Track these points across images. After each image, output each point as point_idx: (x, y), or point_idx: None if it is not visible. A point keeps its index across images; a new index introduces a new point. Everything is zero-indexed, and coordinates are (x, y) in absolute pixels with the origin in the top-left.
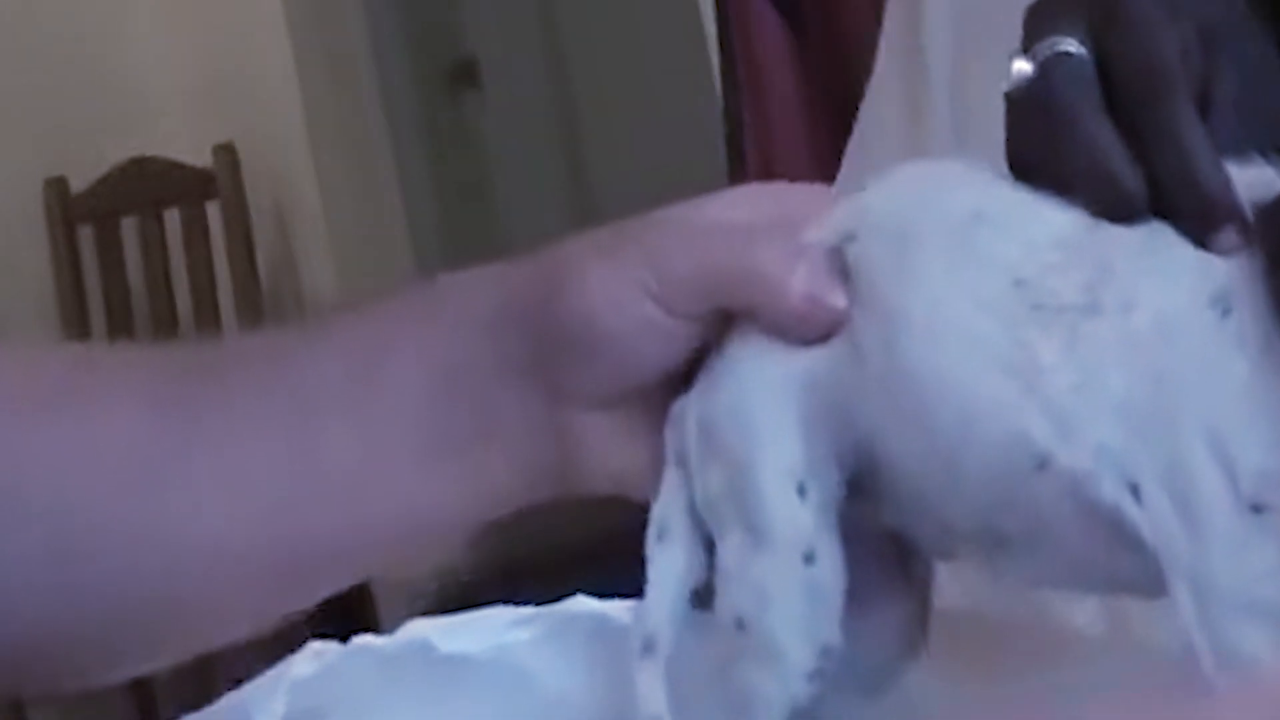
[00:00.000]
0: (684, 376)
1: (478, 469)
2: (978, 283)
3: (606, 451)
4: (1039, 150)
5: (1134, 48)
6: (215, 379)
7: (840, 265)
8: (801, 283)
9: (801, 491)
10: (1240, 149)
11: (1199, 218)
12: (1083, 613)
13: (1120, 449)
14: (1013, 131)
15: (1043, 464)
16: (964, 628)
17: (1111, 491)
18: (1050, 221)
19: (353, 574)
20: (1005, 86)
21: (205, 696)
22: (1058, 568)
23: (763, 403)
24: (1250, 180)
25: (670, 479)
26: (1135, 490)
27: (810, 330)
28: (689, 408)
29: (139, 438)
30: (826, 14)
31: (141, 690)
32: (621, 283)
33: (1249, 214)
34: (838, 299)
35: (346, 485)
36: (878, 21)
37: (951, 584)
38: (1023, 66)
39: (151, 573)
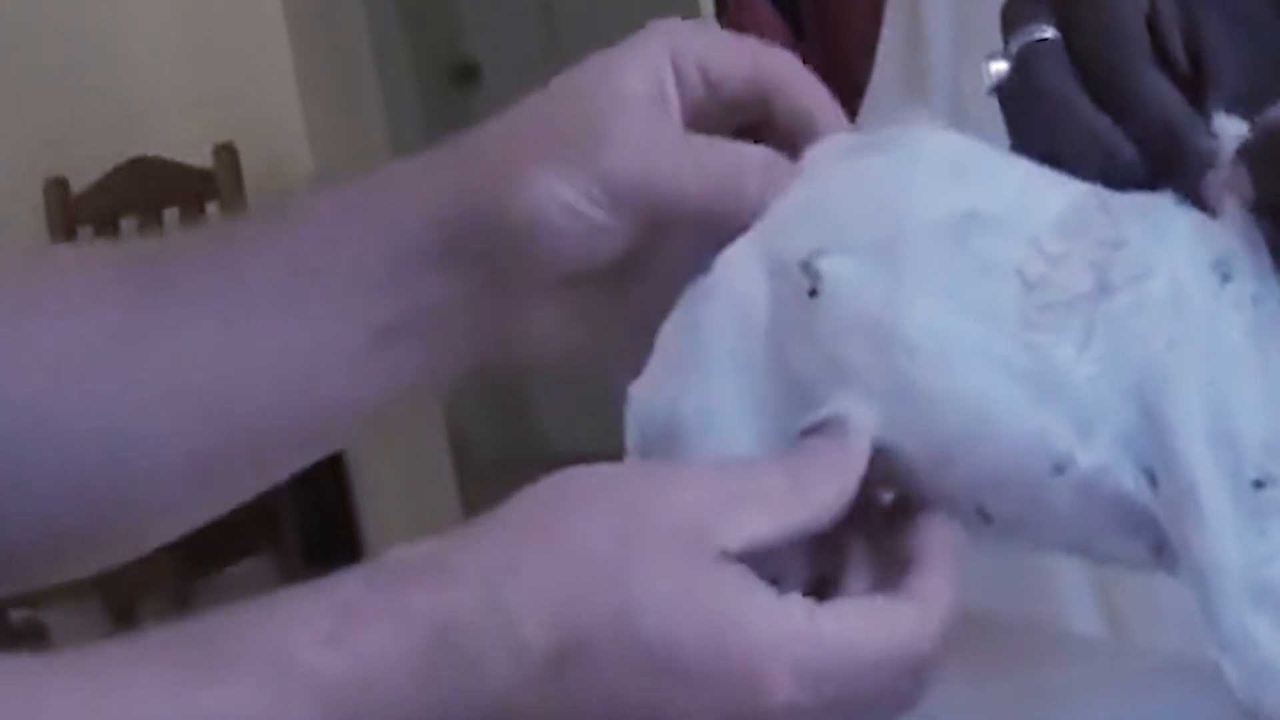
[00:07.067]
0: (627, 274)
1: (422, 353)
2: (982, 295)
3: (549, 333)
4: (1035, 138)
5: (1091, 19)
6: (165, 280)
7: (811, 279)
8: (760, 187)
9: None
10: (1238, 92)
11: (1185, 168)
12: (1082, 613)
13: (1135, 430)
14: (1008, 126)
15: (1062, 467)
16: (964, 628)
17: (1131, 481)
18: (1047, 205)
19: (305, 456)
20: (984, 90)
21: None
22: (1042, 542)
23: (732, 410)
24: (1240, 133)
25: None
26: (1151, 476)
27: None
28: (654, 401)
29: (90, 339)
30: (826, 14)
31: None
32: (567, 188)
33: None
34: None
35: (292, 377)
36: (878, 21)
37: None
38: (998, 67)
39: (99, 470)
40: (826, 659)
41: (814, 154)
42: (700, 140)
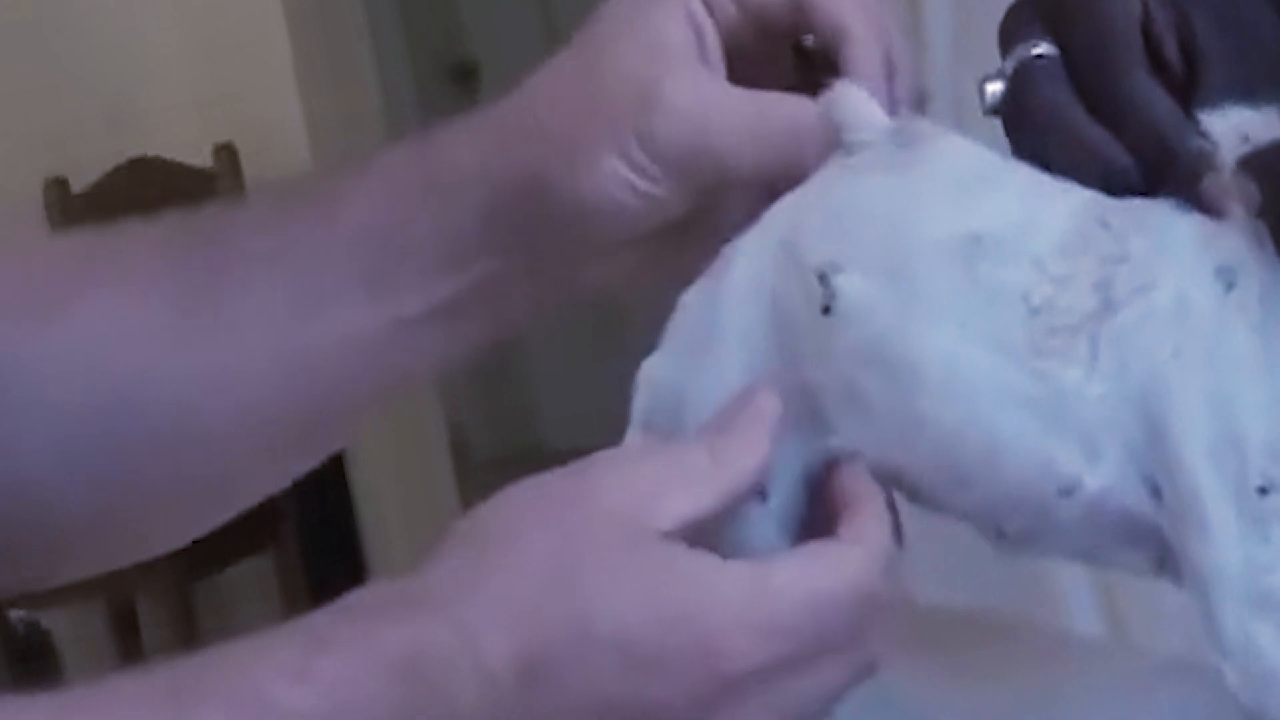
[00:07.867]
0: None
1: (479, 322)
2: (991, 323)
3: (607, 283)
4: (1034, 155)
5: (1083, 26)
6: (228, 254)
7: (826, 295)
8: (817, 153)
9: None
10: (1235, 89)
11: (1177, 172)
12: (1083, 614)
13: (1140, 442)
14: (1011, 145)
15: (1069, 490)
16: (964, 628)
17: (1135, 496)
18: (1051, 222)
19: (352, 429)
20: (983, 111)
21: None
22: (1053, 553)
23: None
24: (1241, 124)
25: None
26: (1155, 488)
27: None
28: (662, 376)
29: (159, 321)
30: None
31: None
32: (626, 167)
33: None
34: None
35: (360, 352)
36: None
37: (949, 584)
38: (994, 88)
39: (184, 447)
40: (783, 612)
41: (835, 97)
42: (753, 101)
